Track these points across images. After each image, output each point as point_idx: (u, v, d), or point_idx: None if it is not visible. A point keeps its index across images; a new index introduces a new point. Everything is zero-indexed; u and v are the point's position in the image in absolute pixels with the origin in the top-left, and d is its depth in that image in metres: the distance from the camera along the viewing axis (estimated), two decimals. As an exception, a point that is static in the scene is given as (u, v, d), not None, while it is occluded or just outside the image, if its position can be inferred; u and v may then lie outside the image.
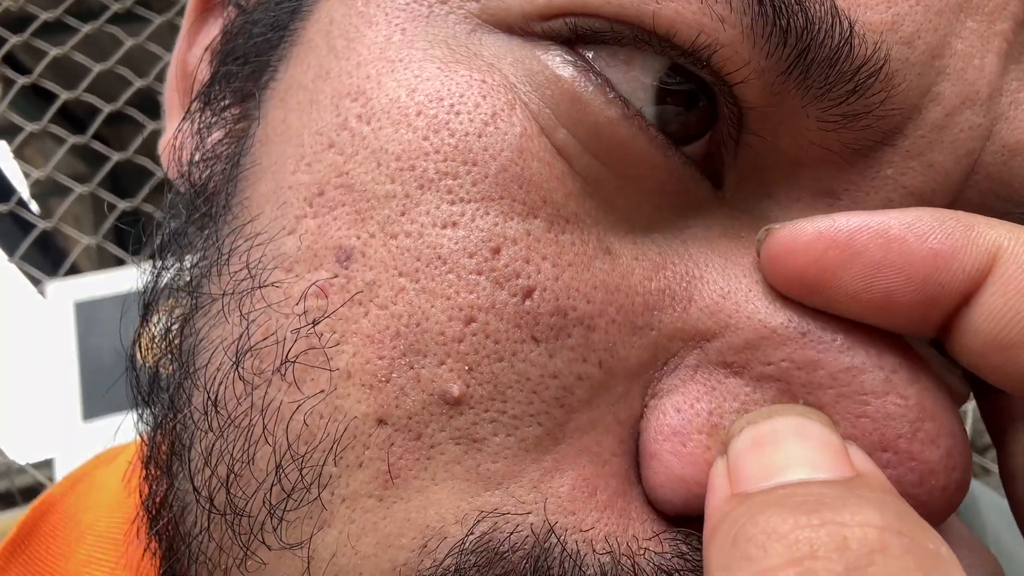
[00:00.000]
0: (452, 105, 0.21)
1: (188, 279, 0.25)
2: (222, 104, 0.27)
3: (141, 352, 0.28)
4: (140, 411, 0.27)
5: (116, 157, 1.23)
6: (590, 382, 0.20)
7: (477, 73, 0.21)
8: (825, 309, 0.20)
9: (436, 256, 0.20)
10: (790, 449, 0.18)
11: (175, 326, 0.25)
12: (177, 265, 0.26)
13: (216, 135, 0.27)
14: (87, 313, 1.13)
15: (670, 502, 0.20)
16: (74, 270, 1.31)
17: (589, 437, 0.20)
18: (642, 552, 0.19)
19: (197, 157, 0.27)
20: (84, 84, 1.24)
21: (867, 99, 0.20)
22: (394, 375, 0.19)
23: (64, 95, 1.25)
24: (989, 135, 0.21)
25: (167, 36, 1.27)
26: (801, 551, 0.14)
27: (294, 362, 0.20)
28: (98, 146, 1.24)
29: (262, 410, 0.20)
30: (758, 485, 0.17)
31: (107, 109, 1.24)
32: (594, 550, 0.19)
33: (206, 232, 0.25)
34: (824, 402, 0.19)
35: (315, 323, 0.20)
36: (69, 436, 1.09)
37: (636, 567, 0.19)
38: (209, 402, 0.22)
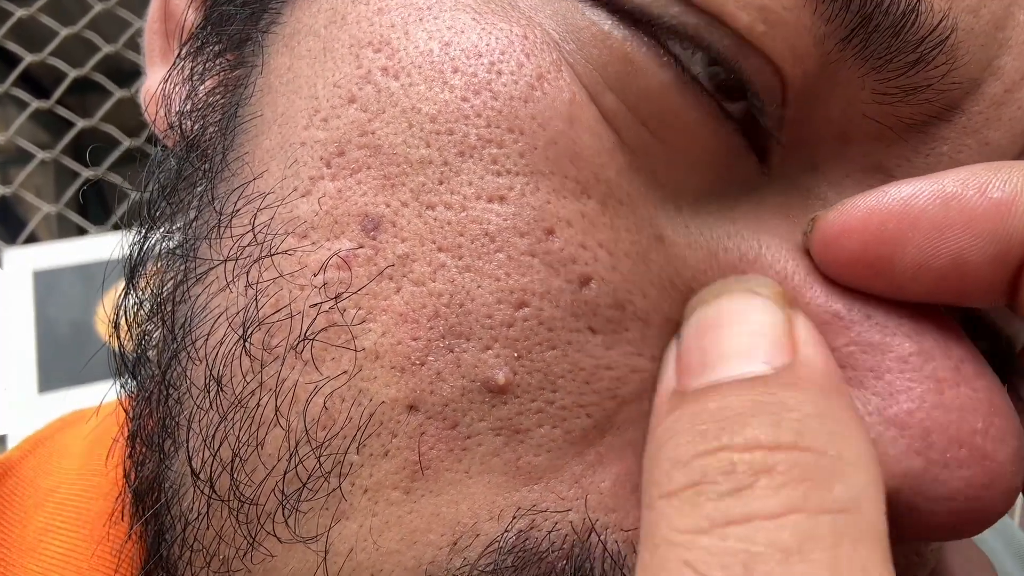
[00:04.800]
0: (492, 64, 0.19)
1: (181, 241, 0.23)
2: (216, 49, 0.25)
3: (126, 320, 0.26)
4: (124, 380, 0.25)
5: (81, 124, 1.19)
6: (643, 375, 0.19)
7: (517, 27, 0.19)
8: (891, 293, 0.19)
9: (483, 232, 0.18)
10: (729, 337, 0.17)
11: (166, 291, 0.23)
12: (167, 226, 0.24)
13: (209, 83, 0.24)
14: (46, 282, 1.10)
15: None
16: (33, 240, 1.27)
17: (636, 429, 0.19)
18: None
19: (188, 107, 0.25)
20: (50, 48, 1.20)
21: (929, 72, 0.18)
22: (430, 358, 0.18)
23: (28, 58, 1.21)
24: None
25: (137, 1, 1.23)
26: (694, 477, 0.15)
27: (313, 339, 0.18)
28: (63, 111, 1.20)
29: (274, 390, 0.19)
30: (696, 381, 0.16)
31: (73, 74, 1.20)
32: (636, 551, 0.18)
33: (199, 189, 0.23)
34: (897, 388, 0.18)
35: (338, 298, 0.18)
36: (24, 410, 1.06)
37: None
38: (211, 379, 0.20)
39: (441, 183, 0.18)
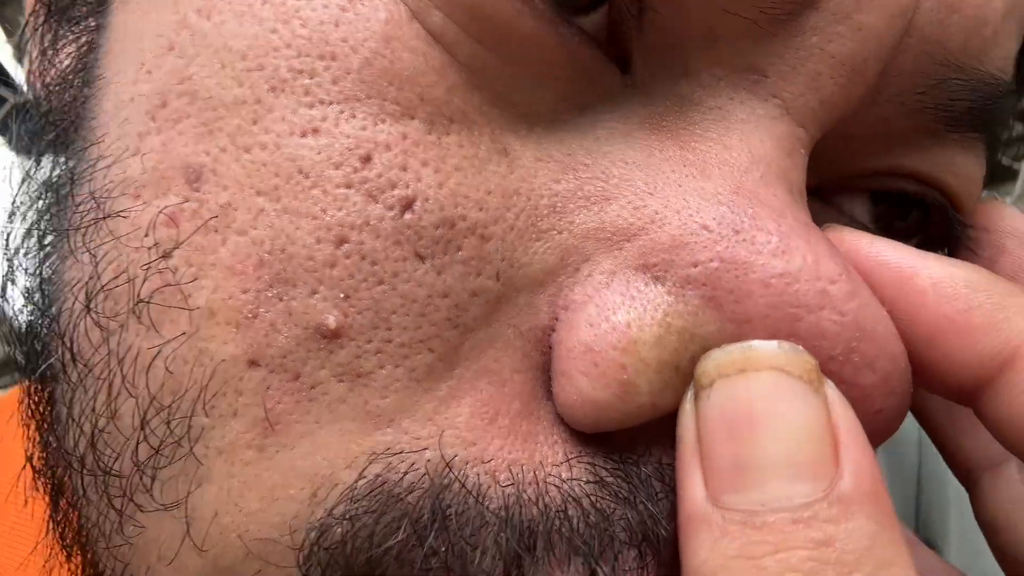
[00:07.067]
0: None
1: (39, 215, 0.22)
2: (71, 15, 0.24)
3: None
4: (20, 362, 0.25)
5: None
6: (486, 297, 0.18)
7: None
8: None
9: (297, 170, 0.17)
10: (766, 441, 0.16)
11: (31, 269, 0.22)
12: (27, 201, 0.23)
13: (68, 50, 0.23)
14: None
15: (581, 423, 0.18)
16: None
17: (487, 356, 0.18)
18: (551, 479, 0.18)
19: (49, 79, 0.23)
20: None
21: None
22: (262, 310, 0.17)
23: None
24: None
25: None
26: None
27: (148, 302, 0.18)
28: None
29: (120, 358, 0.18)
30: (733, 497, 0.16)
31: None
32: (497, 482, 0.17)
33: (56, 161, 0.22)
34: (752, 314, 0.17)
35: (167, 256, 0.18)
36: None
37: (544, 496, 0.17)
38: (67, 351, 0.19)
39: (255, 123, 0.18)
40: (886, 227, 0.23)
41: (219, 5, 0.18)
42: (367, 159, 0.17)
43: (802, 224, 0.18)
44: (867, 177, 0.23)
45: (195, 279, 0.18)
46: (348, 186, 0.17)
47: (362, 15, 0.18)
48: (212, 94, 0.18)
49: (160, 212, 0.18)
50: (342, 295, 0.17)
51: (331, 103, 0.17)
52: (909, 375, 0.18)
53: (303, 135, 0.17)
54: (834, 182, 0.23)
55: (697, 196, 0.18)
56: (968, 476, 0.23)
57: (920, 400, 0.24)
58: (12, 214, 0.25)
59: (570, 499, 0.17)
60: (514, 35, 0.18)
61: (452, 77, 0.18)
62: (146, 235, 0.18)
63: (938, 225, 0.24)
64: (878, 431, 0.18)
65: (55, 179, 0.22)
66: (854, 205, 0.23)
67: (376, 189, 0.17)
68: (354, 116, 0.17)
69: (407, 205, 0.17)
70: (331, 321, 0.17)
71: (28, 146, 0.24)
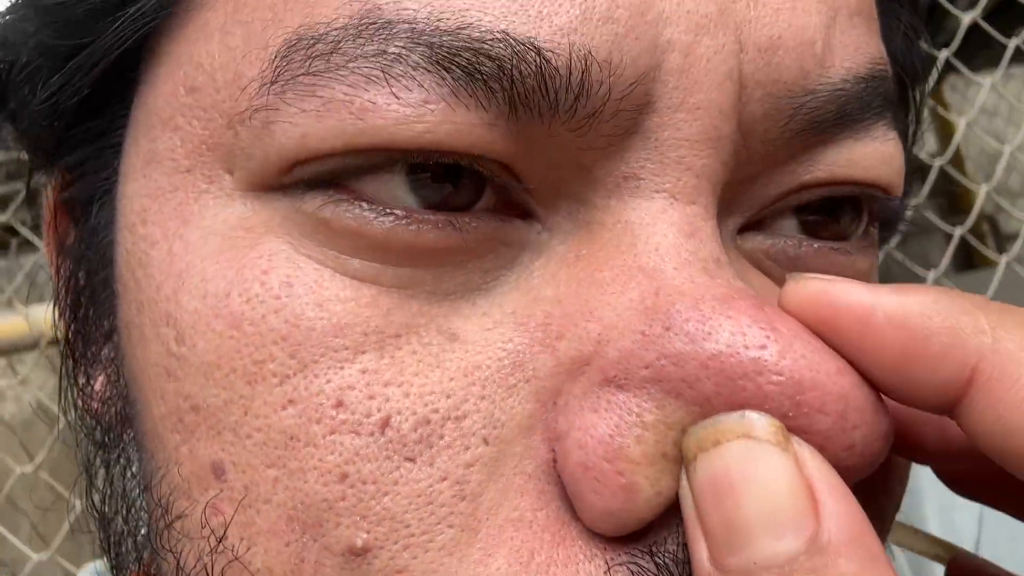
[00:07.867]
0: (241, 295, 0.21)
1: (129, 527, 0.26)
2: (90, 354, 0.28)
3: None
4: None
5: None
6: (483, 462, 0.20)
7: (252, 251, 0.21)
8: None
9: (289, 438, 0.20)
10: (747, 505, 0.17)
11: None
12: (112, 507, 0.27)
13: (99, 380, 0.27)
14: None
15: (610, 532, 0.20)
16: None
17: (505, 508, 0.20)
18: None
19: (95, 406, 0.28)
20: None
21: (596, 96, 0.20)
22: (305, 554, 0.20)
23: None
24: (741, 47, 0.21)
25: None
26: None
27: None
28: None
29: None
30: (730, 559, 0.17)
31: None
32: None
33: (127, 475, 0.26)
34: (707, 393, 0.19)
35: (222, 539, 0.21)
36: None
37: None
38: None
39: (246, 413, 0.21)
40: (816, 234, 0.25)
41: (187, 331, 0.22)
42: (339, 404, 0.20)
43: (721, 300, 0.20)
44: (792, 195, 0.24)
45: (248, 549, 0.21)
46: (333, 432, 0.20)
47: (294, 295, 0.21)
48: (208, 403, 0.21)
49: (206, 505, 0.22)
50: (359, 517, 0.20)
51: (295, 374, 0.20)
52: (872, 402, 0.19)
53: (284, 408, 0.20)
54: (762, 212, 0.25)
55: (626, 309, 0.20)
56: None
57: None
58: (104, 517, 0.29)
59: None
60: (421, 248, 0.21)
61: (385, 302, 0.21)
62: (203, 526, 0.22)
63: (874, 212, 0.26)
64: (856, 464, 0.19)
65: (126, 488, 0.26)
66: (784, 226, 0.25)
67: (355, 424, 0.20)
68: (316, 376, 0.20)
69: (384, 425, 0.20)
70: (359, 541, 0.20)
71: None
